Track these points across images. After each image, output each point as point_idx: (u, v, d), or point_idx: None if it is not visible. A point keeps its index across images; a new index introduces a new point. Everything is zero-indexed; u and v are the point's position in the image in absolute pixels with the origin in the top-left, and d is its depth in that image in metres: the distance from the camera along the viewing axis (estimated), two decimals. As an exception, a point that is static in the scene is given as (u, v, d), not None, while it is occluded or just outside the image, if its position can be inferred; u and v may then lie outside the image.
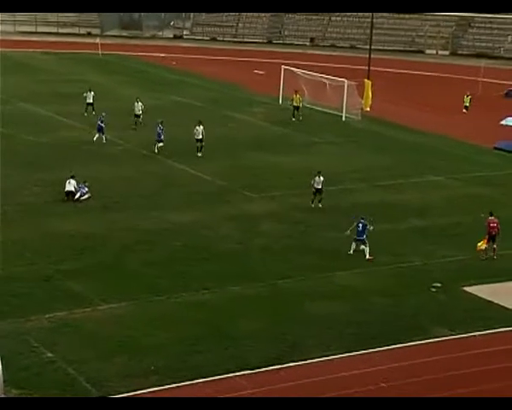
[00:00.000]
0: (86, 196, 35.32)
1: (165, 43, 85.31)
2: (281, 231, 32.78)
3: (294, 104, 52.04)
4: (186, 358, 22.90)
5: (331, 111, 53.28)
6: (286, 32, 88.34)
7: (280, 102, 56.03)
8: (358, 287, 27.97)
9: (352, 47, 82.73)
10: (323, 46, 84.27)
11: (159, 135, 42.82)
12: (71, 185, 35.32)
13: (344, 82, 52.71)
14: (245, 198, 36.78)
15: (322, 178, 34.89)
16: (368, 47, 59.85)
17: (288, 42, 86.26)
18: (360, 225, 30.33)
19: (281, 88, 56.31)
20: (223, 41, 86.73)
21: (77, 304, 25.76)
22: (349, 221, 31.39)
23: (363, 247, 30.27)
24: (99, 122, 44.50)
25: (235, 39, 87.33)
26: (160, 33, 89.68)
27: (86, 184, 35.64)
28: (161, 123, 43.19)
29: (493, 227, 30.78)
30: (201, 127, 42.52)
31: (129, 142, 44.81)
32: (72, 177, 35.62)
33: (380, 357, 23.36)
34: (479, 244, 30.63)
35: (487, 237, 30.75)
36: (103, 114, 45.09)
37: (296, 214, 34.78)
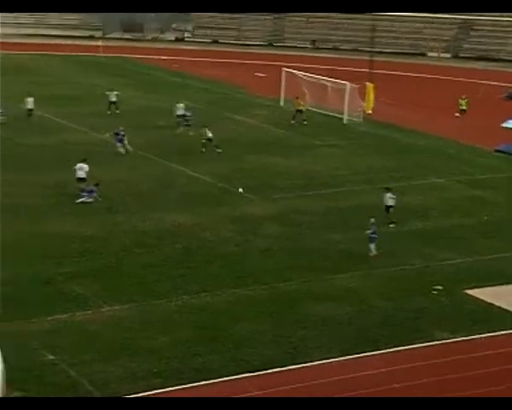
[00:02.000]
0: (88, 200, 34.99)
1: (166, 45, 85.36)
2: (282, 233, 32.73)
3: (297, 108, 51.94)
4: (187, 361, 22.82)
5: (332, 114, 53.21)
6: (287, 35, 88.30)
7: (281, 104, 56.01)
8: (360, 289, 27.92)
9: (353, 49, 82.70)
10: (325, 49, 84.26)
11: (186, 118, 46.36)
12: (82, 171, 35.16)
13: (346, 85, 52.67)
14: (245, 200, 36.73)
15: (394, 195, 33.12)
16: (370, 49, 59.83)
17: (289, 44, 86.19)
18: (374, 226, 30.58)
19: (282, 90, 56.29)
20: (224, 43, 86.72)
21: (78, 306, 25.72)
22: (351, 223, 31.15)
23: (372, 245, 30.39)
24: (117, 134, 42.87)
25: (237, 42, 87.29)
26: (162, 36, 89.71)
27: (98, 186, 35.15)
28: (187, 106, 47.28)
29: None
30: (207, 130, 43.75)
31: (129, 143, 44.55)
32: (84, 160, 35.47)
33: (380, 360, 23.29)
34: None
35: None
36: (121, 127, 43.50)
37: (297, 217, 34.72)
